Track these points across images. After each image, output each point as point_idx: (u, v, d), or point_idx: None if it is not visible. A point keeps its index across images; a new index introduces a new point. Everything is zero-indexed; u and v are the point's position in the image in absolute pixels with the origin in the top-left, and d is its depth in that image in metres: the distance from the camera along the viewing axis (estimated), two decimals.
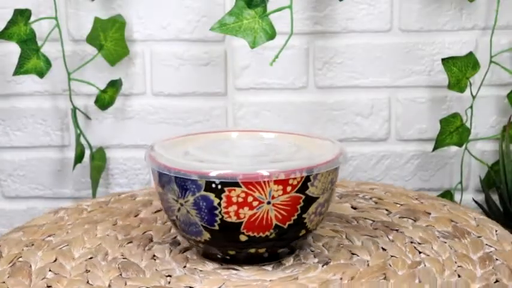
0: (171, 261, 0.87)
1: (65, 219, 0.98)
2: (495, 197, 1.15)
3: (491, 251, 0.89)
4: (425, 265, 0.86)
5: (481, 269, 0.86)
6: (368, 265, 0.85)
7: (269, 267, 0.85)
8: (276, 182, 0.80)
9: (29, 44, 1.09)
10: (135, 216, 0.98)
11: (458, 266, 0.86)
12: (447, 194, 1.19)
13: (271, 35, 1.01)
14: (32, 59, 1.09)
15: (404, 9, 1.16)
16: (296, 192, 0.81)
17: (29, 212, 1.23)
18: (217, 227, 0.82)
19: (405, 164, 1.20)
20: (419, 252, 0.88)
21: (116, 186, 1.22)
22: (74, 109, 1.17)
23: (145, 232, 0.94)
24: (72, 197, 1.22)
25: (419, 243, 0.91)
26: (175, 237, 0.92)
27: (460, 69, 1.10)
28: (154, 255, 0.88)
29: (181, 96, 1.19)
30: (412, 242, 0.91)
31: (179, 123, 1.20)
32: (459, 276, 0.84)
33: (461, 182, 1.18)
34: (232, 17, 1.00)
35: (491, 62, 1.12)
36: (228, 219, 0.81)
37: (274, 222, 0.82)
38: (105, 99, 1.16)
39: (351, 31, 1.17)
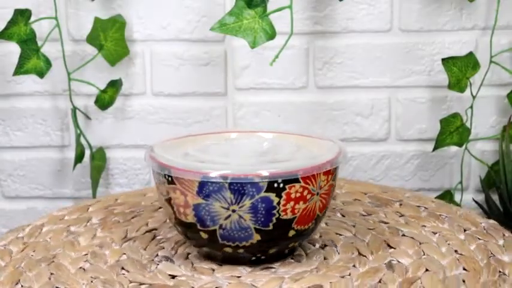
0: (198, 275, 0.82)
1: (5, 260, 0.87)
2: (495, 197, 1.15)
3: (425, 210, 0.96)
4: (402, 230, 0.90)
5: (442, 224, 0.92)
6: (365, 241, 0.88)
7: (292, 261, 0.85)
8: (325, 173, 0.82)
9: (29, 44, 1.09)
10: (79, 244, 0.90)
11: (423, 226, 0.92)
12: (447, 194, 1.19)
13: (271, 35, 1.01)
14: (32, 59, 1.09)
15: (404, 9, 1.16)
16: (332, 180, 0.84)
17: (29, 212, 1.23)
18: (271, 227, 0.81)
19: (405, 164, 1.20)
20: (380, 221, 0.93)
21: (116, 186, 1.22)
22: (74, 109, 1.17)
23: (121, 256, 0.87)
24: (72, 197, 1.22)
25: (370, 214, 0.96)
26: (156, 254, 0.87)
27: (460, 69, 1.10)
28: (170, 275, 0.83)
29: (181, 96, 1.19)
30: (365, 215, 0.96)
31: (179, 123, 1.20)
32: (435, 233, 0.89)
33: (461, 182, 1.18)
34: (232, 17, 1.00)
35: (491, 62, 1.12)
36: (284, 217, 0.81)
37: (317, 212, 0.83)
38: (105, 99, 1.16)
39: (351, 31, 1.17)
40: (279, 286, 0.79)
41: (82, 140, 1.18)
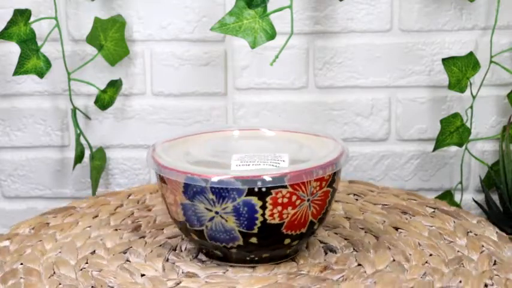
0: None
1: None
2: (495, 197, 1.15)
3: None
4: (364, 217, 0.97)
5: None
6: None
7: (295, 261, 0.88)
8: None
9: (29, 44, 1.09)
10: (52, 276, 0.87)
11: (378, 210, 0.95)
12: (447, 194, 1.19)
13: (271, 35, 1.01)
14: (31, 59, 1.09)
15: (404, 9, 1.16)
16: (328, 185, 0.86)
17: (29, 212, 1.23)
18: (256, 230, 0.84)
19: (405, 164, 1.20)
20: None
21: (116, 186, 1.22)
22: (74, 109, 1.17)
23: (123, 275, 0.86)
24: (72, 197, 1.22)
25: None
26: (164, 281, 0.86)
27: (460, 69, 1.10)
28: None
29: (181, 96, 1.19)
30: None
31: (179, 123, 1.20)
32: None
33: (461, 182, 1.18)
34: (233, 17, 1.00)
35: (491, 62, 1.12)
36: (272, 221, 0.83)
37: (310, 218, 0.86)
38: (105, 99, 1.16)
39: (351, 31, 1.17)
40: None
41: (82, 140, 1.18)
